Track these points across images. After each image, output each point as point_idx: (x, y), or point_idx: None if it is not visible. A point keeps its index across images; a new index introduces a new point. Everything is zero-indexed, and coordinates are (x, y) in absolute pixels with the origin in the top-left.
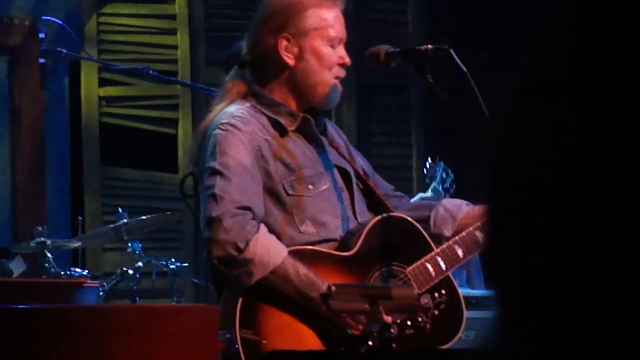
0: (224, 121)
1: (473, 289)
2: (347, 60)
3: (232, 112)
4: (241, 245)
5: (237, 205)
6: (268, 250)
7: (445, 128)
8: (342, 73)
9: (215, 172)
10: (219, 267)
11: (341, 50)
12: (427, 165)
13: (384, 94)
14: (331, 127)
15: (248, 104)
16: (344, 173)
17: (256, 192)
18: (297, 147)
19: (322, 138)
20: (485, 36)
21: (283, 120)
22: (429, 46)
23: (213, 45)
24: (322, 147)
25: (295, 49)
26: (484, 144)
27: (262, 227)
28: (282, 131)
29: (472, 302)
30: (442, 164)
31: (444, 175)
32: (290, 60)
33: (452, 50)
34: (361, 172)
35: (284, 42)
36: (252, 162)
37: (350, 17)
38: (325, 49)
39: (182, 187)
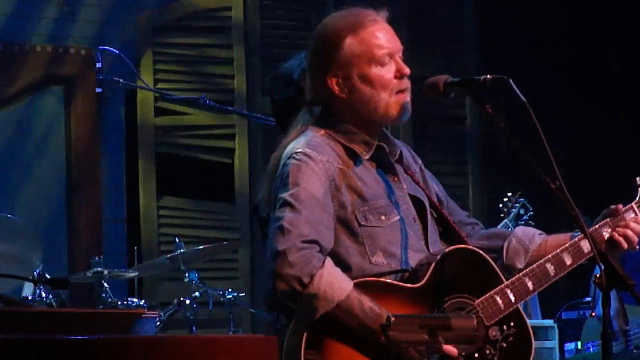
0: (298, 150)
1: (530, 319)
2: (405, 70)
3: (308, 140)
4: (305, 280)
5: (304, 239)
6: (332, 285)
7: (501, 159)
8: (403, 85)
9: (286, 204)
10: (282, 300)
11: (396, 63)
12: (505, 200)
13: (439, 124)
14: (407, 152)
15: (323, 132)
16: (417, 202)
17: (326, 225)
18: (371, 177)
19: (397, 166)
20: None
21: (357, 149)
22: (488, 76)
23: (269, 74)
24: (396, 175)
25: (346, 82)
26: (543, 174)
27: (328, 261)
28: (356, 160)
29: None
30: (522, 200)
31: (522, 212)
32: (344, 95)
33: (511, 81)
34: (435, 200)
35: (334, 80)
36: (324, 193)
37: (404, 46)
38: (375, 71)
39: (256, 210)
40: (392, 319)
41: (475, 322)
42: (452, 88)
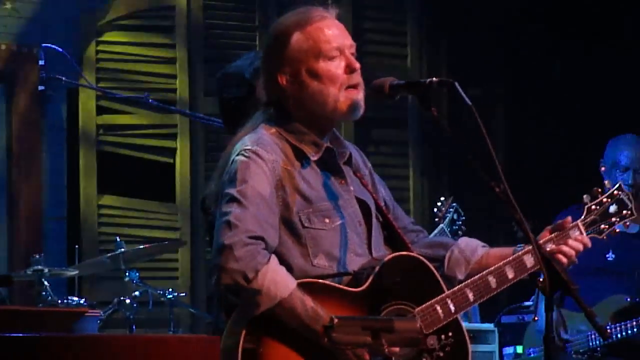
0: (247, 147)
1: (470, 322)
2: (356, 65)
3: (257, 138)
4: (250, 275)
5: (250, 234)
6: (276, 282)
7: (443, 163)
8: (353, 80)
9: (233, 200)
10: (226, 294)
11: (346, 58)
12: (439, 204)
13: (382, 127)
14: (357, 155)
15: (274, 130)
16: (364, 206)
17: (271, 223)
18: (318, 179)
19: (345, 169)
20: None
21: (306, 149)
22: (434, 79)
23: (212, 75)
24: (344, 178)
25: (295, 79)
26: (487, 177)
27: (273, 258)
28: (304, 161)
29: (469, 336)
30: (455, 205)
31: (455, 217)
32: (294, 91)
33: (456, 84)
34: (382, 205)
35: (284, 77)
36: (270, 192)
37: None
38: (322, 65)
39: (203, 205)
40: (336, 320)
41: (418, 325)
42: (397, 90)
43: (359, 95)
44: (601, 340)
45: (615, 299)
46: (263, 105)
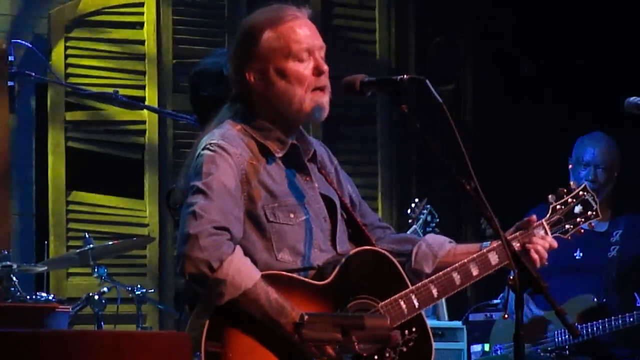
0: (212, 142)
1: (439, 319)
2: (323, 67)
3: (222, 133)
4: (215, 264)
5: (216, 225)
6: (240, 272)
7: (411, 161)
8: (320, 82)
9: (198, 191)
10: (189, 283)
11: (315, 60)
12: (413, 205)
13: (350, 124)
14: (323, 152)
15: (239, 127)
16: (328, 202)
17: (236, 215)
18: (283, 175)
19: (310, 166)
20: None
21: (271, 146)
22: (405, 76)
23: (180, 71)
24: (309, 175)
25: (263, 76)
26: (458, 174)
27: (238, 249)
28: (269, 157)
29: (437, 333)
30: (429, 207)
31: (429, 218)
32: (260, 88)
33: (427, 81)
34: (347, 201)
35: (251, 74)
36: (235, 185)
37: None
38: (291, 65)
39: (168, 200)
40: (306, 317)
41: (388, 322)
42: (368, 87)
43: (325, 98)
44: (569, 338)
45: (583, 299)
46: (229, 99)
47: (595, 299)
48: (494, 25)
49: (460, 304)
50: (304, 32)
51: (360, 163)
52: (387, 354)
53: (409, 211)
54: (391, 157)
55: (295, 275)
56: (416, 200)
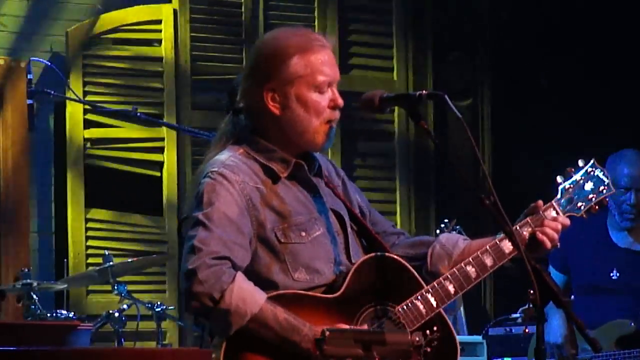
0: (214, 170)
1: (458, 334)
2: (339, 101)
3: (223, 160)
4: (216, 296)
5: (214, 255)
6: (244, 299)
7: (430, 175)
8: (334, 115)
9: (198, 223)
10: (198, 317)
11: (332, 93)
12: (442, 225)
13: (368, 140)
14: (328, 165)
15: (241, 150)
16: (339, 216)
17: (239, 243)
18: (290, 194)
19: (316, 181)
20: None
21: (275, 167)
22: (424, 92)
23: (198, 88)
24: (316, 191)
25: (281, 99)
26: (477, 189)
27: (239, 275)
28: (274, 178)
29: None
30: (458, 227)
31: None
32: (276, 110)
33: (446, 96)
34: (357, 212)
35: (270, 93)
36: (239, 212)
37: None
38: (313, 96)
39: (179, 230)
40: (327, 333)
41: (409, 337)
42: (387, 103)
43: (334, 130)
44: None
45: (619, 324)
46: (235, 110)
47: (633, 324)
48: (512, 40)
49: (479, 318)
50: (328, 64)
51: (379, 178)
52: (413, 358)
53: (438, 232)
54: (409, 172)
55: (304, 291)
56: (446, 220)
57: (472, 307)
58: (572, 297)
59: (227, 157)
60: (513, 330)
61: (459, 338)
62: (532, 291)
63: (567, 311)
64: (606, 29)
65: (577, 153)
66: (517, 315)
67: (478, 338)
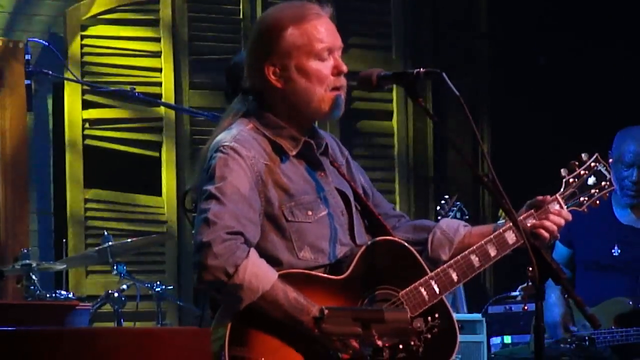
0: (225, 144)
1: (458, 312)
2: (343, 67)
3: (234, 134)
4: (230, 270)
5: (229, 230)
6: (257, 275)
7: (429, 153)
8: (339, 82)
9: (211, 197)
10: (208, 291)
11: (334, 59)
12: (443, 202)
13: (367, 118)
14: (333, 144)
15: (251, 125)
16: (343, 196)
17: (251, 219)
18: (298, 172)
19: (323, 159)
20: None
21: (285, 144)
22: (421, 70)
23: (197, 67)
24: (323, 170)
25: (282, 72)
26: (475, 167)
27: (252, 252)
28: (283, 155)
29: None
30: (459, 204)
31: (459, 215)
32: (279, 84)
33: (444, 74)
34: (360, 192)
35: (271, 68)
36: (250, 188)
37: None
38: (313, 64)
39: (183, 202)
40: (326, 311)
41: (408, 315)
42: (385, 81)
43: (342, 97)
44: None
45: (618, 301)
46: (242, 91)
47: (631, 302)
48: (510, 18)
49: (479, 296)
50: (326, 31)
51: (377, 157)
52: (412, 342)
53: (438, 208)
54: (407, 151)
55: (312, 272)
56: (446, 197)
57: (472, 285)
58: (576, 272)
59: (237, 131)
60: (512, 308)
61: (458, 316)
62: (531, 269)
63: (567, 288)
64: (602, 5)
65: (576, 131)
66: (517, 293)
67: (477, 316)
